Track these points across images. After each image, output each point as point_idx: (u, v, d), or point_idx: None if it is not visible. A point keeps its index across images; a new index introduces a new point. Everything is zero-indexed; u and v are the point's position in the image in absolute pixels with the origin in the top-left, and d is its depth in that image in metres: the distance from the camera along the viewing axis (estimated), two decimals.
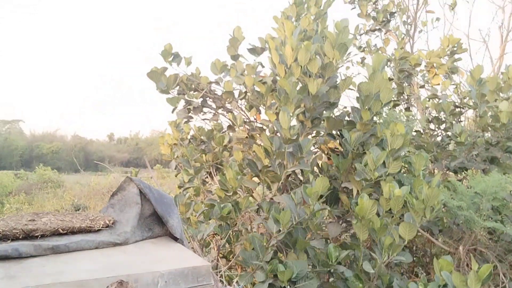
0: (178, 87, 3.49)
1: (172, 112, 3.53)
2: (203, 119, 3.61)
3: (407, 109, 4.31)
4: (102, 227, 1.53)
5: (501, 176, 2.97)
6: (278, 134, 2.79)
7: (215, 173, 3.93)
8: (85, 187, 15.81)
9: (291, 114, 2.68)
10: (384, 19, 4.49)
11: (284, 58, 2.90)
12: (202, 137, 3.97)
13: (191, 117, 3.50)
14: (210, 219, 2.90)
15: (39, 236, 1.41)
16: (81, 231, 1.49)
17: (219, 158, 3.79)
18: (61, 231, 1.45)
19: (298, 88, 2.81)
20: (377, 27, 4.59)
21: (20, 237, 1.39)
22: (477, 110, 3.55)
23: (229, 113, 3.37)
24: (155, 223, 1.64)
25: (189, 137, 4.32)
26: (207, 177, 4.04)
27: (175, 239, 1.63)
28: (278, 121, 2.62)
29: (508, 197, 3.01)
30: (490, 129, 3.42)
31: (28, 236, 1.40)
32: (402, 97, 4.25)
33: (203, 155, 3.88)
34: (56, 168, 21.83)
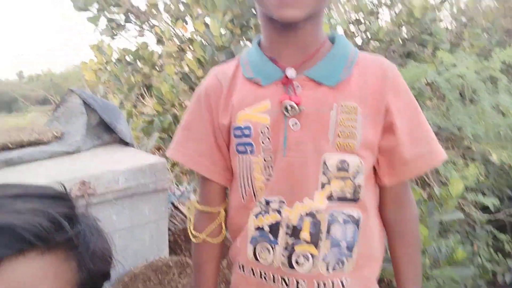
0: (96, 4, 3.30)
1: (94, 31, 3.38)
2: (130, 37, 3.49)
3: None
4: (51, 139, 1.54)
5: (417, 68, 3.25)
6: (210, 44, 2.80)
7: (146, 93, 3.89)
8: (2, 130, 14.84)
9: (220, 22, 2.68)
10: None
11: None
12: (127, 58, 3.86)
13: (116, 35, 3.38)
14: (149, 135, 2.94)
15: None
16: (30, 144, 1.50)
17: (150, 77, 3.74)
18: (10, 146, 1.45)
19: None
20: None
21: None
22: (391, 7, 3.75)
23: (156, 28, 3.28)
24: (103, 131, 1.67)
25: (113, 60, 4.18)
26: (137, 98, 3.99)
27: (126, 144, 1.68)
28: (209, 30, 2.63)
29: (423, 87, 3.32)
30: (405, 25, 3.65)
31: None
32: None
33: (131, 76, 3.80)
34: None
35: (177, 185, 2.21)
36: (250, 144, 0.82)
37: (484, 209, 2.88)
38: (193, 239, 0.95)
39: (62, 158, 1.48)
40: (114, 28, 3.30)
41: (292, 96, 0.78)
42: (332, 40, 0.85)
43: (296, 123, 0.79)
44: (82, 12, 3.26)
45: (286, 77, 0.80)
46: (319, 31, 0.83)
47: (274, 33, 0.82)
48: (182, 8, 3.23)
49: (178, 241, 1.75)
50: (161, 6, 3.27)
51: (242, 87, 0.84)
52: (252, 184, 0.84)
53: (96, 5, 3.31)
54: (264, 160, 0.82)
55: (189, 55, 3.24)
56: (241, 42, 3.12)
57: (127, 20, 3.38)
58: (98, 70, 4.36)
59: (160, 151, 3.03)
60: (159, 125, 2.66)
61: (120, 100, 3.55)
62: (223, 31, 2.74)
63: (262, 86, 0.82)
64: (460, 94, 3.31)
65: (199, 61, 2.76)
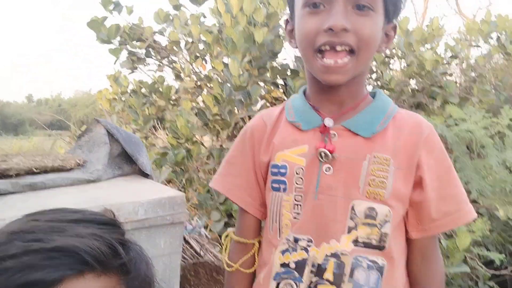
0: (119, 37, 3.42)
1: (115, 63, 3.48)
2: (148, 70, 3.59)
3: None
4: (73, 166, 1.58)
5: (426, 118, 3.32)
6: (228, 83, 2.88)
7: (159, 126, 3.95)
8: (7, 152, 14.90)
9: (239, 62, 2.77)
10: None
11: (230, 7, 2.96)
12: (142, 91, 3.95)
13: (136, 68, 3.47)
14: (161, 168, 2.97)
15: (14, 175, 1.44)
16: (53, 170, 1.53)
17: (164, 110, 3.81)
18: (35, 170, 1.49)
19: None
20: None
21: None
22: (404, 59, 3.86)
23: (175, 64, 3.38)
24: (124, 162, 1.71)
25: (129, 90, 4.27)
26: (149, 130, 4.05)
27: (145, 176, 1.71)
28: (228, 69, 2.71)
29: None
30: (416, 76, 3.74)
31: (3, 175, 1.42)
32: None
33: (146, 108, 3.87)
34: None
35: (189, 220, 2.23)
36: (284, 182, 0.88)
37: (486, 264, 2.86)
38: (227, 268, 1.00)
39: (84, 186, 1.51)
40: (134, 62, 3.40)
41: (327, 144, 0.85)
42: (373, 95, 0.92)
43: (329, 168, 0.85)
44: (105, 44, 3.37)
45: (324, 125, 0.86)
46: (360, 88, 0.90)
47: (318, 88, 0.90)
48: (201, 46, 3.34)
49: (188, 276, 1.75)
50: (182, 43, 3.38)
51: (283, 129, 0.91)
52: (279, 220, 0.89)
53: (118, 38, 3.43)
54: (295, 199, 0.87)
55: (205, 92, 3.32)
56: (258, 84, 3.21)
57: (148, 54, 3.49)
58: (113, 100, 4.46)
59: (171, 184, 3.06)
60: (173, 158, 2.70)
61: (133, 130, 3.62)
62: (241, 72, 2.83)
63: (302, 131, 0.89)
64: (468, 148, 3.36)
65: (215, 98, 2.83)
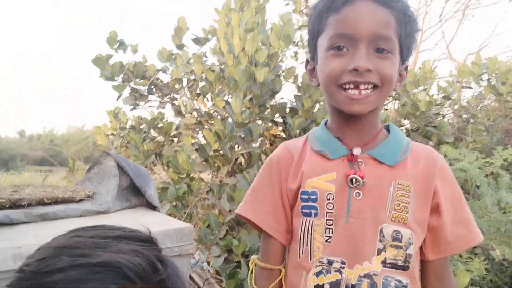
0: (123, 74, 3.50)
1: (117, 99, 3.55)
2: (149, 107, 3.66)
3: None
4: (83, 197, 1.60)
5: None
6: (229, 119, 2.95)
7: (158, 161, 3.98)
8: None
9: (241, 100, 2.85)
10: None
11: (232, 47, 3.06)
12: (142, 127, 4.00)
13: (138, 104, 3.54)
14: (161, 202, 2.99)
15: (26, 205, 1.46)
16: (64, 201, 1.56)
17: (163, 145, 3.86)
18: (46, 201, 1.51)
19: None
20: None
21: (7, 206, 1.43)
22: (399, 100, 3.97)
23: (178, 101, 3.46)
24: (132, 194, 1.74)
25: (127, 126, 4.32)
26: (145, 166, 4.07)
27: (153, 208, 1.74)
28: (230, 107, 2.78)
29: None
30: (410, 117, 3.85)
31: (15, 205, 1.44)
32: None
33: (145, 144, 3.91)
34: None
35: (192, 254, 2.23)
36: (315, 208, 0.94)
37: None
38: None
39: (93, 217, 1.53)
40: (137, 98, 3.47)
41: (357, 171, 0.92)
42: (387, 128, 1.01)
43: (359, 194, 0.92)
44: (108, 81, 3.45)
45: (352, 154, 0.94)
46: (377, 120, 0.99)
47: (342, 119, 0.98)
48: (202, 84, 3.43)
49: None
50: (184, 81, 3.47)
51: (310, 158, 0.98)
52: (311, 244, 0.94)
53: (121, 75, 3.52)
54: (326, 224, 0.93)
55: (206, 128, 3.38)
56: (257, 121, 3.28)
57: (150, 91, 3.57)
58: (111, 135, 4.50)
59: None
60: (174, 193, 2.72)
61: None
62: (242, 109, 2.90)
63: (329, 159, 0.96)
64: (462, 187, 3.40)
65: (217, 134, 2.88)
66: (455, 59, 6.20)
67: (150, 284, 0.61)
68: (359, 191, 0.92)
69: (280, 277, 1.01)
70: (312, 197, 0.94)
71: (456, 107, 4.12)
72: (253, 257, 1.05)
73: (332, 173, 0.94)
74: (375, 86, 0.90)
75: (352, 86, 0.89)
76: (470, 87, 3.92)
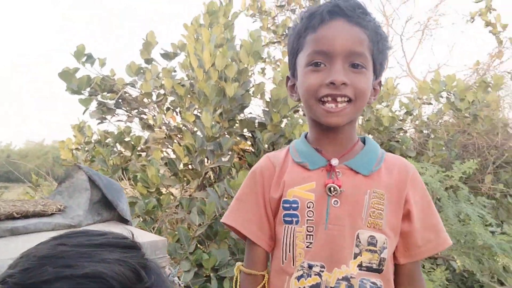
0: (90, 88, 3.46)
1: (83, 113, 3.49)
2: (117, 121, 3.62)
3: (304, 114, 4.77)
4: (55, 211, 1.58)
5: None
6: (199, 133, 2.96)
7: (124, 176, 3.93)
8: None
9: (211, 114, 2.88)
10: (283, 32, 4.94)
11: (202, 62, 3.10)
12: (107, 141, 3.94)
13: (105, 118, 3.50)
14: None
15: None
16: (35, 215, 1.53)
17: (130, 160, 3.81)
18: (16, 215, 1.47)
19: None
20: (277, 40, 5.02)
21: None
22: (363, 116, 4.10)
23: (146, 115, 3.45)
24: (103, 208, 1.72)
25: (93, 140, 4.25)
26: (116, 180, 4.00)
27: (125, 222, 1.72)
28: (200, 121, 2.80)
29: None
30: (374, 132, 3.97)
31: None
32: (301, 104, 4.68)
33: (113, 158, 3.86)
34: None
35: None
36: (296, 216, 1.00)
37: None
38: None
39: (65, 231, 1.51)
40: (104, 112, 3.43)
41: (335, 180, 0.98)
42: (362, 140, 1.07)
43: (337, 202, 0.98)
44: (75, 94, 3.40)
45: (330, 165, 1.00)
46: (354, 132, 1.05)
47: (320, 132, 1.04)
48: (171, 98, 3.44)
49: None
50: (153, 95, 3.46)
51: (291, 169, 1.04)
52: (293, 250, 0.99)
53: (88, 89, 3.47)
54: (307, 230, 0.98)
55: (175, 142, 3.38)
56: (227, 135, 3.31)
57: (117, 105, 3.54)
58: (76, 150, 4.40)
59: None
60: (143, 208, 2.70)
61: None
62: (213, 123, 2.92)
63: (309, 170, 1.02)
64: None
65: (187, 148, 2.89)
66: (415, 77, 6.45)
67: None
68: (337, 199, 0.97)
69: (264, 282, 1.05)
70: (293, 205, 1.00)
71: (417, 122, 4.29)
72: (238, 264, 1.08)
73: (311, 182, 1.00)
74: (350, 100, 0.96)
75: (329, 99, 0.95)
76: (430, 103, 4.10)
